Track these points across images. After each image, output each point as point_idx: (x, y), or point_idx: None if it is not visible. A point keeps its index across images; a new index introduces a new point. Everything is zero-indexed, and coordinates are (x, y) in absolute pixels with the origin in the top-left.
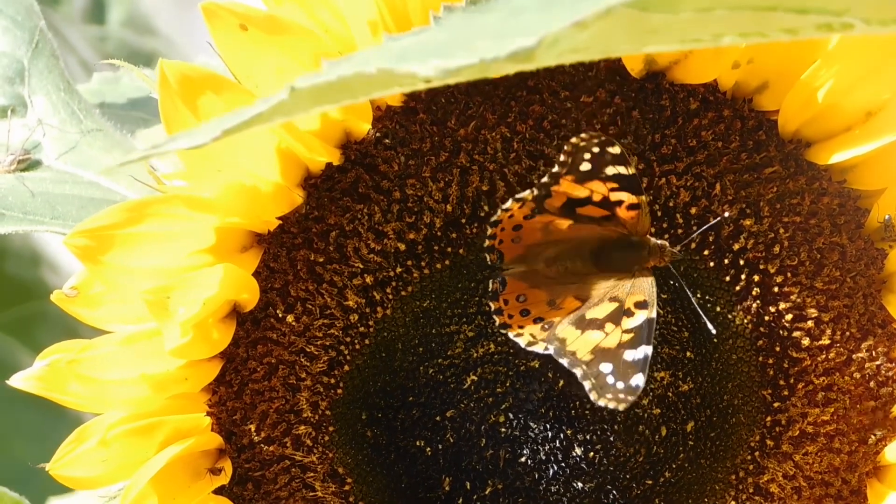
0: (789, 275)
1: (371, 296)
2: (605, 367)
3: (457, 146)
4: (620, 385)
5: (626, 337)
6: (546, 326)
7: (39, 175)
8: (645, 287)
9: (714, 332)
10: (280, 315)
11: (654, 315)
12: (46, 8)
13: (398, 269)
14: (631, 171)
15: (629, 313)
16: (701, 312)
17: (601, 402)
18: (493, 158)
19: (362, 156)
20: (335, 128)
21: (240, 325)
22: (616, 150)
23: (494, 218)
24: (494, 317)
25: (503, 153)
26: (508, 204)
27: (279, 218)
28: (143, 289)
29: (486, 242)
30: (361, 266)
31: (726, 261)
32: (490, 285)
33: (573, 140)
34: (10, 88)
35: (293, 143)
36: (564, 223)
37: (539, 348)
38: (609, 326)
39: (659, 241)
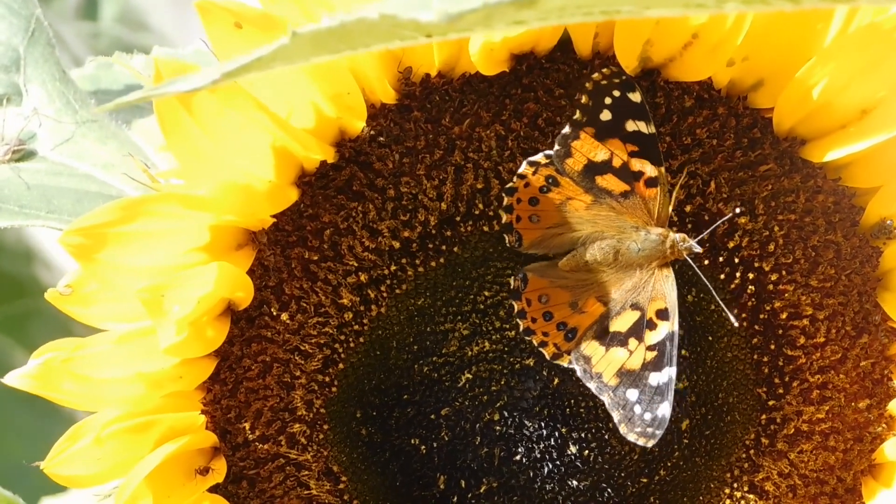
0: (784, 273)
1: (365, 294)
2: (632, 395)
3: (451, 144)
4: (648, 416)
5: (650, 356)
6: (570, 335)
7: (35, 166)
8: (666, 290)
9: (736, 324)
10: (274, 313)
11: (675, 328)
12: (39, 4)
13: (393, 267)
14: (651, 129)
15: (651, 325)
16: (723, 306)
17: (631, 437)
18: (488, 156)
19: (357, 153)
20: (330, 125)
21: (234, 324)
22: (637, 97)
23: (509, 185)
24: (518, 321)
25: (498, 151)
26: (523, 168)
27: (274, 216)
28: (137, 287)
29: (504, 218)
30: (356, 264)
31: (721, 259)
32: (511, 282)
33: (594, 76)
34: (5, 77)
35: (288, 140)
36: (583, 203)
37: (564, 362)
38: (632, 343)
39: (678, 234)
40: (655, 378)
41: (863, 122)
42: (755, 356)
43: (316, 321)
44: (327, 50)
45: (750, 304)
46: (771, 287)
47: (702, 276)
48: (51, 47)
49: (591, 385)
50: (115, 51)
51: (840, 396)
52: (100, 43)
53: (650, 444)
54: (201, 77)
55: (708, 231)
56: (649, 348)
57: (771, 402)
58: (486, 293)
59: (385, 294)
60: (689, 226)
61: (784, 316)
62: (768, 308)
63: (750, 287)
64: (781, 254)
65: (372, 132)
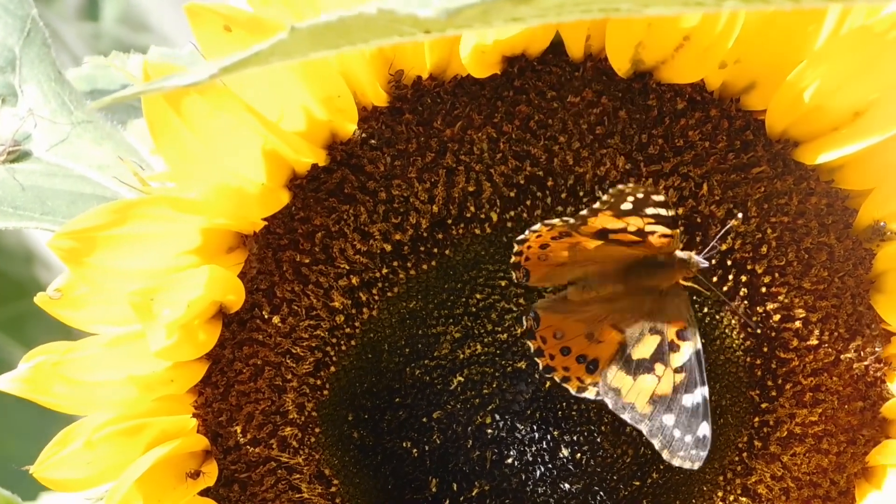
0: (777, 275)
1: (357, 297)
2: (668, 419)
3: (443, 147)
4: (688, 439)
5: (679, 378)
6: (591, 367)
7: (30, 167)
8: (682, 310)
9: (758, 330)
10: (266, 316)
11: (699, 346)
12: (40, 4)
13: (384, 270)
14: (671, 212)
15: (674, 347)
16: (742, 315)
17: (676, 462)
18: (480, 159)
19: (348, 156)
20: (321, 128)
21: (226, 327)
22: (660, 198)
23: (521, 237)
24: (537, 360)
25: (489, 154)
26: (537, 226)
27: (265, 219)
28: (128, 290)
29: (512, 259)
30: (347, 267)
31: (713, 261)
32: (524, 323)
33: (619, 187)
34: (0, 78)
35: (279, 143)
36: (592, 244)
37: (590, 395)
38: (659, 368)
39: (684, 254)
40: (689, 399)
41: (855, 124)
42: (748, 359)
43: (307, 324)
44: (325, 45)
45: (742, 306)
46: (764, 289)
47: (717, 292)
48: (46, 48)
49: (626, 416)
50: (115, 51)
51: (833, 399)
52: (101, 43)
53: (696, 465)
54: (198, 72)
55: (712, 245)
56: (676, 371)
57: (764, 405)
58: (478, 296)
59: (376, 297)
60: (682, 227)
61: (777, 318)
62: (761, 310)
63: (742, 290)
64: (774, 256)
65: (363, 135)
